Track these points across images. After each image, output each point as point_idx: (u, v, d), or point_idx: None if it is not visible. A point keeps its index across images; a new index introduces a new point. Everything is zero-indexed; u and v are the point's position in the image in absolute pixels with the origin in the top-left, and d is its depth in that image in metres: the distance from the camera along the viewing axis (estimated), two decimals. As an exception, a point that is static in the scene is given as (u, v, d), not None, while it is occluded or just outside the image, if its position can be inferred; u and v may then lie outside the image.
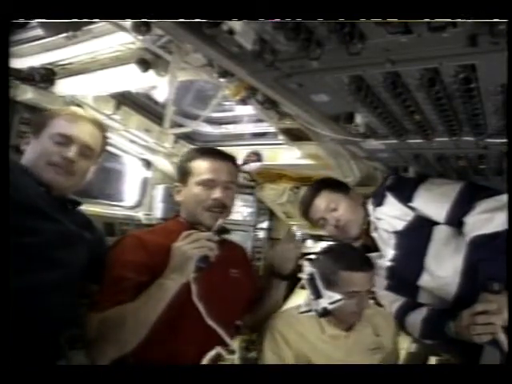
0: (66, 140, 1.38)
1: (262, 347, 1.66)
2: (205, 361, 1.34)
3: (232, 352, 1.40)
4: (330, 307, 1.57)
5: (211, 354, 1.36)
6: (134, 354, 1.28)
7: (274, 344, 1.63)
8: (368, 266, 1.67)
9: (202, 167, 1.56)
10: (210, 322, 1.36)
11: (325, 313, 1.58)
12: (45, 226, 1.25)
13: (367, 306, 1.68)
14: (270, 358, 1.62)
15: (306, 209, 1.86)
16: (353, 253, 1.72)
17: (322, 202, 1.79)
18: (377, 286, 1.85)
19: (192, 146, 2.70)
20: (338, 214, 1.77)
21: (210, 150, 1.65)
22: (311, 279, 1.63)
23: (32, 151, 1.38)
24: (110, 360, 1.26)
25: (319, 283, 1.61)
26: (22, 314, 1.12)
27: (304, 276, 1.67)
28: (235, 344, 1.68)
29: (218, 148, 1.70)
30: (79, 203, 1.47)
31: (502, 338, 1.28)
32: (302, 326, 1.66)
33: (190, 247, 1.30)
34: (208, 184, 1.54)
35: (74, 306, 1.35)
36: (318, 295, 1.60)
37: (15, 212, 1.08)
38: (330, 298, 1.57)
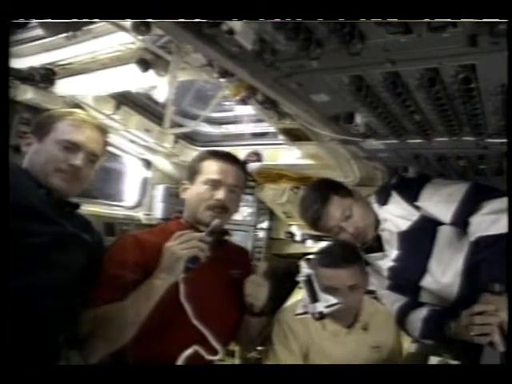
0: (73, 147, 1.38)
1: (270, 341, 1.67)
2: (180, 359, 1.33)
3: (216, 353, 1.39)
4: (326, 311, 1.56)
5: (187, 352, 1.35)
6: (126, 352, 1.28)
7: (283, 336, 1.65)
8: (347, 262, 1.62)
9: (210, 167, 1.59)
10: (196, 323, 1.36)
11: (321, 317, 1.57)
12: (44, 228, 1.25)
13: (357, 302, 1.68)
14: (279, 351, 1.63)
15: (316, 218, 1.69)
16: (333, 250, 1.70)
17: (336, 209, 1.65)
18: (378, 286, 1.84)
19: (192, 146, 2.71)
20: (354, 221, 1.66)
21: (221, 153, 1.66)
22: (308, 281, 1.63)
23: (37, 156, 1.37)
24: (101, 356, 1.28)
25: (316, 285, 1.60)
26: (21, 316, 1.12)
27: (301, 277, 1.67)
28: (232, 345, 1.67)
29: (231, 152, 1.69)
30: (78, 206, 1.47)
31: (497, 338, 1.28)
32: (306, 319, 1.66)
33: (181, 247, 1.30)
34: (214, 184, 1.56)
35: (72, 307, 1.34)
36: (314, 298, 1.59)
37: (15, 214, 1.08)
38: (326, 302, 1.57)
